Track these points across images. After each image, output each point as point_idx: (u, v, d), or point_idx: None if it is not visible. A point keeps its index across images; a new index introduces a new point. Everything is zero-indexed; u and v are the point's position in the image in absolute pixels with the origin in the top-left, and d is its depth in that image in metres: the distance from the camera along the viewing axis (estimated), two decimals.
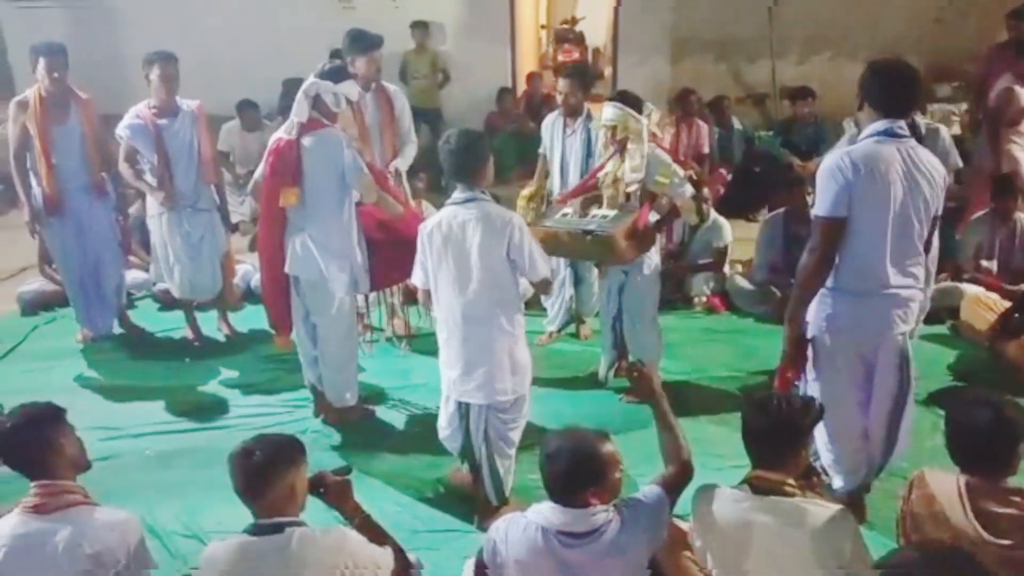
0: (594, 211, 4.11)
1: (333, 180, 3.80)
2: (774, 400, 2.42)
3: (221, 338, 5.30)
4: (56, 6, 8.31)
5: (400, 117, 4.87)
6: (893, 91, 2.99)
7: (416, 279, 3.36)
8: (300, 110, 3.76)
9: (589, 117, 4.65)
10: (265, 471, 2.32)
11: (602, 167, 4.20)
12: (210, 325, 5.38)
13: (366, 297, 4.54)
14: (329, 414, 4.23)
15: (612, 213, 4.05)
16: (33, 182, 4.83)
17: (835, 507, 2.33)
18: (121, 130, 4.74)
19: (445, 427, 3.48)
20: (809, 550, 2.23)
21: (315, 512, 2.55)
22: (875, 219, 2.94)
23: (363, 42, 4.57)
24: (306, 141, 3.75)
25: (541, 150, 5.01)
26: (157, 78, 4.65)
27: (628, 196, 4.10)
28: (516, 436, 3.43)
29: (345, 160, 3.77)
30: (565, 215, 4.14)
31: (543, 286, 3.37)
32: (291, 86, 4.21)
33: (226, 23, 8.22)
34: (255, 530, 2.32)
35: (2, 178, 6.36)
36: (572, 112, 4.68)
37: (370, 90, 4.74)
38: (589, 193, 4.23)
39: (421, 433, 4.18)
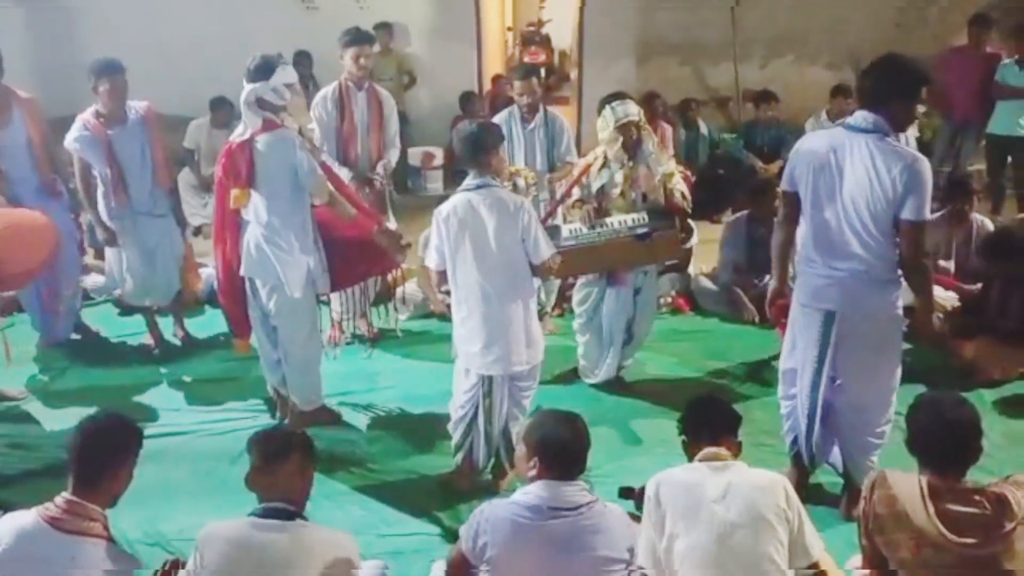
0: (618, 217, 4.12)
1: (287, 180, 3.74)
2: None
3: (178, 343, 5.21)
4: (12, 6, 8.12)
5: (388, 120, 4.93)
6: (864, 82, 3.16)
7: (431, 262, 3.52)
8: (251, 119, 3.70)
9: (546, 112, 4.92)
10: (289, 454, 2.47)
11: (585, 171, 4.21)
12: (169, 330, 5.29)
13: (343, 303, 4.53)
14: (293, 418, 4.17)
15: (639, 215, 4.10)
16: None
17: (769, 472, 2.62)
18: (70, 143, 4.56)
19: (461, 396, 3.58)
20: (753, 501, 2.44)
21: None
22: (806, 198, 3.22)
23: (347, 36, 4.64)
24: (259, 142, 3.71)
25: None
26: (106, 92, 4.48)
27: (644, 196, 4.16)
28: (528, 403, 3.66)
29: (297, 160, 3.72)
30: (577, 231, 4.11)
31: (545, 269, 3.51)
32: None
33: (188, 23, 8.11)
34: (263, 512, 2.38)
35: None
36: (533, 109, 4.87)
37: (362, 89, 4.79)
38: (571, 194, 4.27)
39: (387, 436, 4.16)
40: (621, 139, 4.06)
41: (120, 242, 4.77)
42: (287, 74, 3.76)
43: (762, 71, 8.65)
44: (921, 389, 3.53)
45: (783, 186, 3.36)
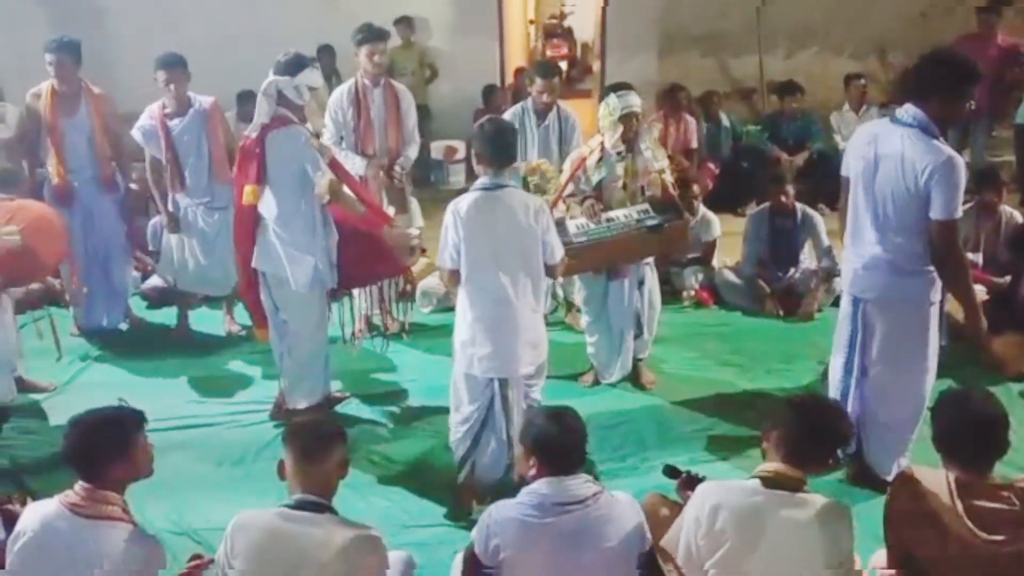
0: (622, 211, 4.09)
1: (294, 176, 3.77)
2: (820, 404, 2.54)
3: (222, 334, 5.27)
4: (35, 6, 8.21)
5: (406, 115, 4.91)
6: (910, 75, 3.23)
7: (446, 262, 3.41)
8: (263, 111, 3.74)
9: (559, 109, 4.91)
10: (332, 448, 2.46)
11: (581, 165, 4.16)
12: (201, 321, 5.37)
13: (371, 297, 4.54)
14: (279, 413, 4.18)
15: (643, 207, 4.09)
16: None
17: (839, 503, 2.39)
18: (135, 132, 4.82)
19: (467, 406, 3.47)
20: (817, 544, 2.28)
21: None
22: (850, 185, 3.33)
23: (361, 33, 4.63)
24: (269, 138, 3.74)
25: None
26: (163, 83, 4.68)
27: (642, 189, 4.16)
28: (539, 395, 3.60)
29: (303, 156, 3.73)
30: (584, 226, 4.06)
31: (558, 269, 3.51)
32: None
33: (211, 20, 8.15)
34: (296, 504, 2.38)
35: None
36: (549, 107, 4.87)
37: (378, 85, 4.78)
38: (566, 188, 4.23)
39: (410, 429, 4.19)
40: (622, 129, 4.04)
41: (183, 234, 4.96)
42: (313, 77, 3.84)
43: (786, 62, 8.57)
44: (948, 383, 3.52)
45: (841, 171, 3.43)
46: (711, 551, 2.34)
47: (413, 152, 5.03)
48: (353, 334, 4.53)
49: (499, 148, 3.34)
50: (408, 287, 4.51)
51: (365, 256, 4.03)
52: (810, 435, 2.38)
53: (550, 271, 3.47)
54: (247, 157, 3.81)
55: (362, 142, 4.82)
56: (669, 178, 4.21)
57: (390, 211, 4.69)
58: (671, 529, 2.49)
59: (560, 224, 4.08)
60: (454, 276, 3.41)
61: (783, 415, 2.45)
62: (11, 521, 2.60)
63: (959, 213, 3.05)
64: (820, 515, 2.30)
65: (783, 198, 5.39)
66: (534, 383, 3.56)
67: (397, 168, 4.89)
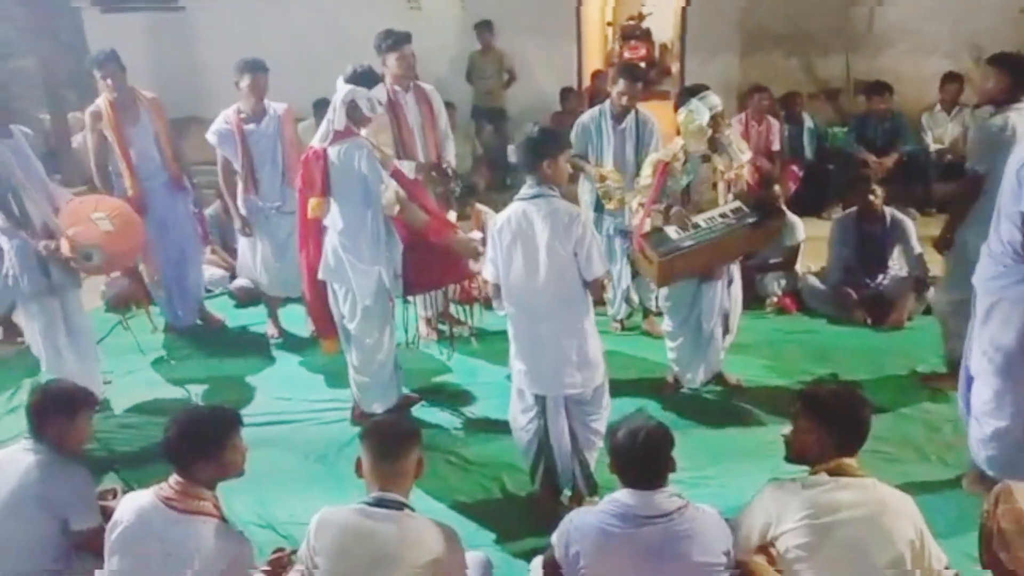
0: (716, 211, 4.01)
1: (358, 189, 3.80)
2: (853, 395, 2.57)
3: (305, 333, 5.35)
4: (138, 13, 8.59)
5: (439, 116, 4.89)
6: None
7: (487, 274, 3.41)
8: (338, 118, 3.77)
9: (637, 112, 4.85)
10: (410, 447, 2.49)
11: (665, 171, 4.07)
12: (287, 320, 5.50)
13: (428, 302, 4.58)
14: (358, 417, 4.23)
15: (734, 205, 4.03)
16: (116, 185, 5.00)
17: (900, 498, 2.42)
18: (210, 136, 4.94)
19: (520, 417, 3.48)
20: (888, 524, 2.31)
21: None
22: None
23: (391, 39, 4.62)
24: (332, 151, 3.78)
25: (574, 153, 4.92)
26: (247, 87, 4.80)
27: (729, 186, 4.12)
28: (602, 427, 3.45)
29: (365, 169, 3.76)
30: (688, 227, 3.96)
31: (597, 287, 3.33)
32: None
33: (294, 29, 8.37)
34: (375, 502, 2.42)
35: (84, 180, 6.61)
36: (627, 109, 4.81)
37: (408, 90, 4.73)
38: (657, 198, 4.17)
39: (488, 431, 4.20)
40: (711, 132, 3.98)
41: (256, 237, 5.08)
42: (383, 92, 3.93)
43: (874, 61, 8.30)
44: None
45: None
46: (786, 543, 2.37)
47: (451, 151, 4.97)
48: (408, 341, 4.55)
49: (532, 155, 3.21)
50: (476, 292, 4.54)
51: (429, 264, 4.06)
52: (855, 426, 2.48)
53: (589, 287, 3.29)
54: (311, 169, 3.84)
55: (405, 149, 4.72)
56: (746, 173, 4.19)
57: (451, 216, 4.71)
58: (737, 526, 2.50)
59: (660, 231, 4.01)
60: (496, 289, 3.39)
61: (822, 413, 2.49)
62: (107, 516, 2.71)
63: None
64: (890, 499, 2.37)
65: (872, 197, 5.21)
66: (591, 411, 3.41)
67: (448, 171, 4.86)
